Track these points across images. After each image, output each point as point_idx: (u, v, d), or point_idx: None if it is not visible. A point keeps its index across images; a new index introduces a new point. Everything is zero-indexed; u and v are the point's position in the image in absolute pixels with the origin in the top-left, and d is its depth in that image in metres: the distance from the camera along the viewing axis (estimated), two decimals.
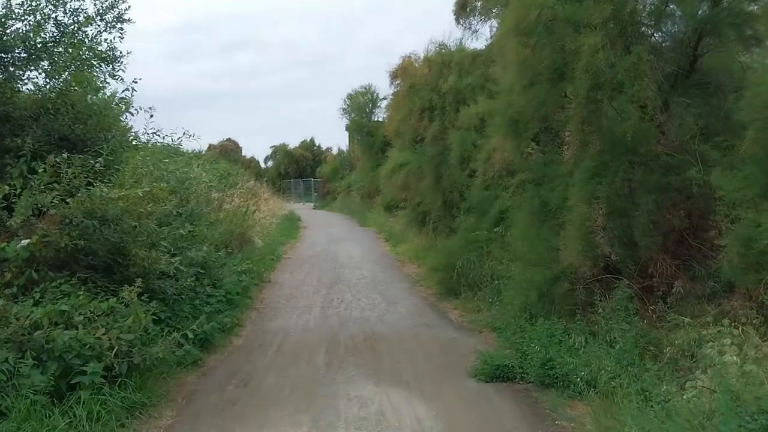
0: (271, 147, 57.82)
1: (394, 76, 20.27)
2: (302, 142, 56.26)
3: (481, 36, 13.18)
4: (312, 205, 41.91)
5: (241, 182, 22.60)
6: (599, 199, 6.71)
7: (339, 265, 13.53)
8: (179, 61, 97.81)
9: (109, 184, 6.50)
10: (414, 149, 14.49)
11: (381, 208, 22.85)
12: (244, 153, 60.93)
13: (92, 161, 6.66)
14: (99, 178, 6.76)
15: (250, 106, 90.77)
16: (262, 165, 59.30)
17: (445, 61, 13.16)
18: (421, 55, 14.37)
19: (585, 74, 6.64)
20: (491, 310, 8.42)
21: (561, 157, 7.90)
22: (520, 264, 7.80)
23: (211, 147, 58.27)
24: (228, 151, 57.88)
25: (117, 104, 8.96)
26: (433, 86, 12.75)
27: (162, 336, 6.42)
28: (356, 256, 14.75)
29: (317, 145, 56.36)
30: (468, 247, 9.71)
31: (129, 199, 6.23)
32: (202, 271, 8.12)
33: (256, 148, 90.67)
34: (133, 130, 9.45)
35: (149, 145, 9.70)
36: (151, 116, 9.35)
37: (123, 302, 5.80)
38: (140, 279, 5.81)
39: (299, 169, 53.74)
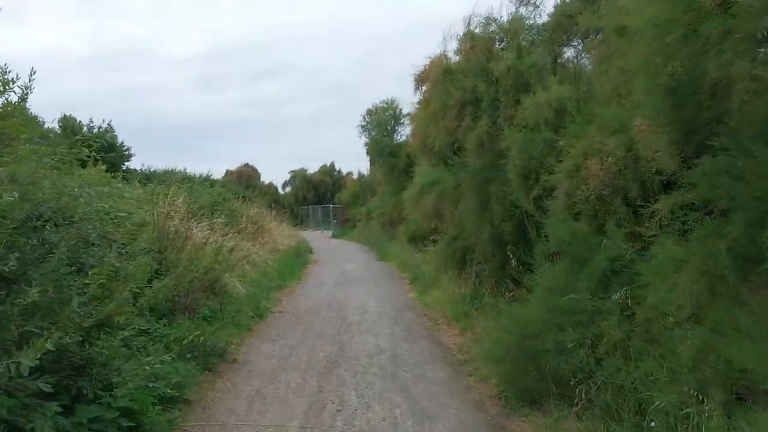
0: (289, 172, 54.25)
1: (420, 80, 16.28)
2: (322, 166, 52.70)
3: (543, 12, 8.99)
4: (330, 233, 38.01)
5: (239, 209, 18.74)
6: None
7: (346, 325, 9.35)
8: (207, 90, 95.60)
9: None
10: (448, 163, 10.39)
11: (404, 239, 18.71)
12: (262, 179, 57.76)
13: None
14: None
15: (275, 134, 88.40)
16: (280, 191, 55.89)
17: (493, 38, 9.10)
18: (453, 48, 10.26)
19: None
20: None
21: None
22: (697, 381, 3.59)
23: (228, 173, 55.37)
24: (244, 176, 54.64)
25: None
26: (479, 70, 8.63)
27: None
28: (372, 309, 10.55)
29: (337, 169, 52.72)
30: (555, 319, 5.49)
31: None
32: (51, 386, 3.98)
33: (277, 175, 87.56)
34: None
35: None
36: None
37: None
38: None
39: (318, 194, 50.03)
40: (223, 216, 13.26)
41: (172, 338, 6.80)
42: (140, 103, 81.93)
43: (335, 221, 40.88)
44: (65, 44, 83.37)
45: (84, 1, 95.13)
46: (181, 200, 12.68)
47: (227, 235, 14.00)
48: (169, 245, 9.06)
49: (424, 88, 15.94)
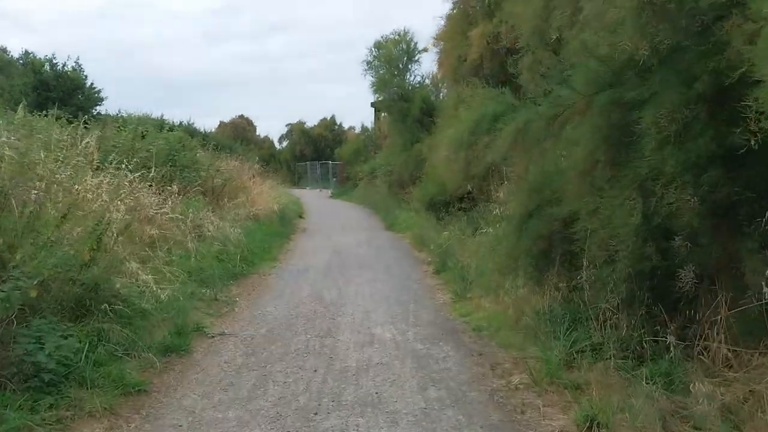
0: (286, 125, 49.35)
1: None
2: (321, 120, 47.80)
3: None
4: (329, 192, 33.51)
5: (205, 160, 14.16)
6: None
7: (334, 377, 4.82)
8: (216, 43, 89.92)
9: None
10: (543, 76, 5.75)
11: (419, 204, 14.10)
12: (258, 132, 53.08)
13: None
14: None
15: (279, 90, 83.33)
16: (277, 145, 51.21)
17: None
18: None
19: None
20: None
21: None
22: None
23: (221, 124, 50.60)
24: (239, 128, 49.90)
25: None
26: None
27: None
28: (382, 334, 5.98)
29: (338, 123, 47.88)
30: None
31: None
32: None
33: (276, 130, 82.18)
34: None
35: None
36: None
37: None
38: None
39: (317, 150, 45.34)
40: (129, 163, 8.53)
41: None
42: (143, 56, 77.31)
43: (335, 179, 36.37)
44: None
45: None
46: (93, 143, 8.26)
47: (168, 197, 9.50)
48: None
49: None
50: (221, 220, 10.73)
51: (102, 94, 30.35)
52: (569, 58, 4.87)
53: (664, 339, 4.44)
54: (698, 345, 4.25)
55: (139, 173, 8.23)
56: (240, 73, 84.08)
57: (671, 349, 4.29)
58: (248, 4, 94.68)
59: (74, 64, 29.06)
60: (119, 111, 25.79)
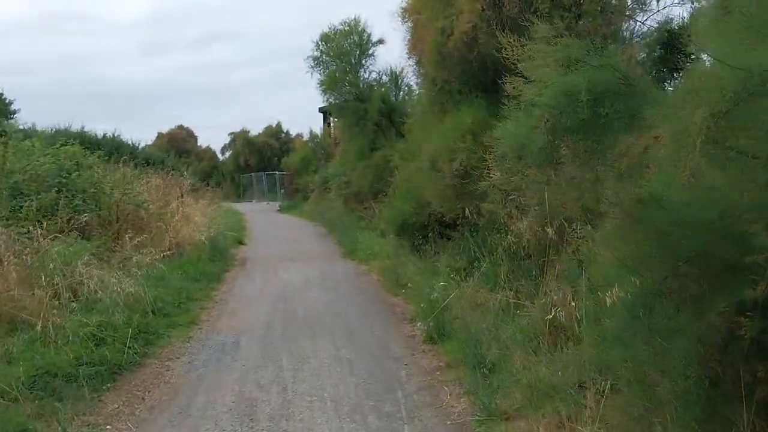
0: (229, 134, 45.63)
1: None
2: (266, 127, 44.30)
3: None
4: (277, 205, 30.26)
5: (110, 181, 10.82)
6: None
7: None
8: (153, 54, 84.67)
9: None
10: None
11: (388, 227, 11.06)
12: (200, 143, 49.28)
13: None
14: None
15: (224, 101, 78.79)
16: (220, 156, 47.50)
17: None
18: None
19: None
20: None
21: None
22: None
23: (159, 136, 46.67)
24: (178, 140, 46.06)
25: None
26: None
27: None
28: None
29: (285, 131, 44.48)
30: None
31: None
32: None
33: (219, 140, 77.52)
34: None
35: None
36: None
37: None
38: None
39: (263, 160, 41.83)
40: None
41: None
42: (82, 69, 72.42)
43: (283, 192, 33.02)
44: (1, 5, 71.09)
45: None
46: None
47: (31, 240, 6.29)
48: None
49: None
50: (117, 268, 7.45)
51: (14, 107, 26.51)
52: None
53: None
54: None
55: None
56: (182, 84, 79.36)
57: None
58: (182, 14, 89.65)
59: None
60: (31, 123, 21.99)
